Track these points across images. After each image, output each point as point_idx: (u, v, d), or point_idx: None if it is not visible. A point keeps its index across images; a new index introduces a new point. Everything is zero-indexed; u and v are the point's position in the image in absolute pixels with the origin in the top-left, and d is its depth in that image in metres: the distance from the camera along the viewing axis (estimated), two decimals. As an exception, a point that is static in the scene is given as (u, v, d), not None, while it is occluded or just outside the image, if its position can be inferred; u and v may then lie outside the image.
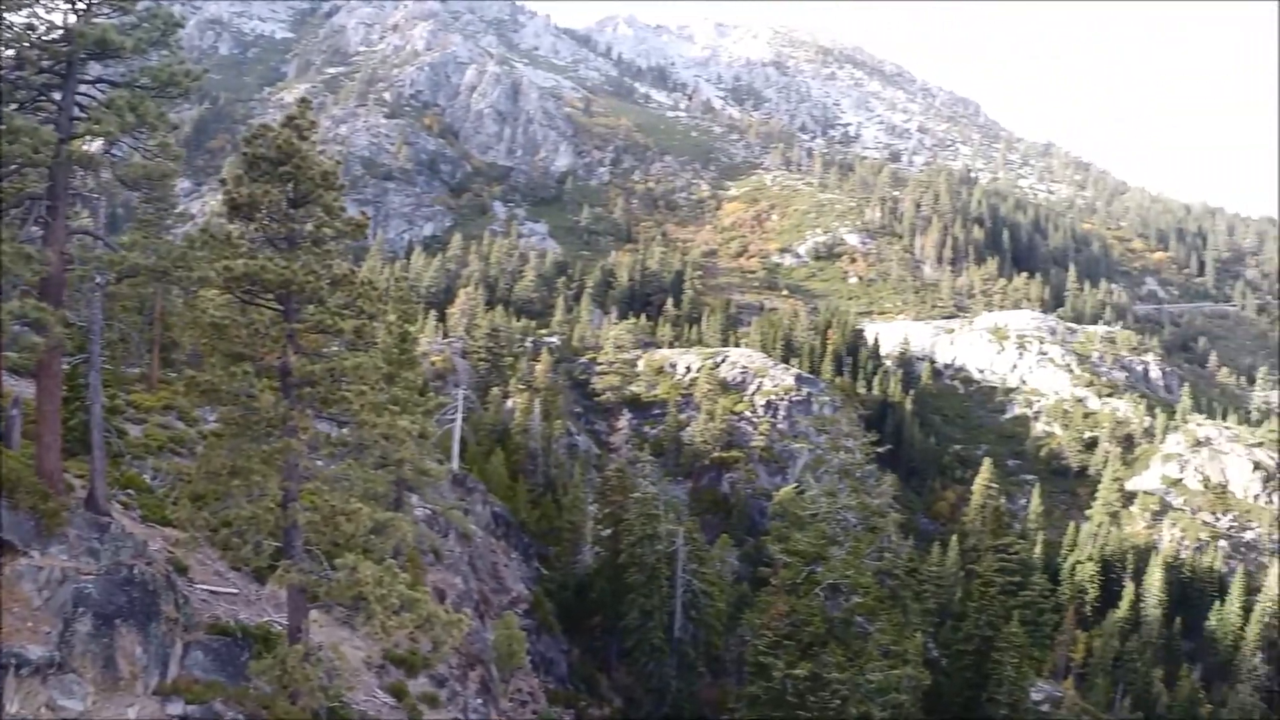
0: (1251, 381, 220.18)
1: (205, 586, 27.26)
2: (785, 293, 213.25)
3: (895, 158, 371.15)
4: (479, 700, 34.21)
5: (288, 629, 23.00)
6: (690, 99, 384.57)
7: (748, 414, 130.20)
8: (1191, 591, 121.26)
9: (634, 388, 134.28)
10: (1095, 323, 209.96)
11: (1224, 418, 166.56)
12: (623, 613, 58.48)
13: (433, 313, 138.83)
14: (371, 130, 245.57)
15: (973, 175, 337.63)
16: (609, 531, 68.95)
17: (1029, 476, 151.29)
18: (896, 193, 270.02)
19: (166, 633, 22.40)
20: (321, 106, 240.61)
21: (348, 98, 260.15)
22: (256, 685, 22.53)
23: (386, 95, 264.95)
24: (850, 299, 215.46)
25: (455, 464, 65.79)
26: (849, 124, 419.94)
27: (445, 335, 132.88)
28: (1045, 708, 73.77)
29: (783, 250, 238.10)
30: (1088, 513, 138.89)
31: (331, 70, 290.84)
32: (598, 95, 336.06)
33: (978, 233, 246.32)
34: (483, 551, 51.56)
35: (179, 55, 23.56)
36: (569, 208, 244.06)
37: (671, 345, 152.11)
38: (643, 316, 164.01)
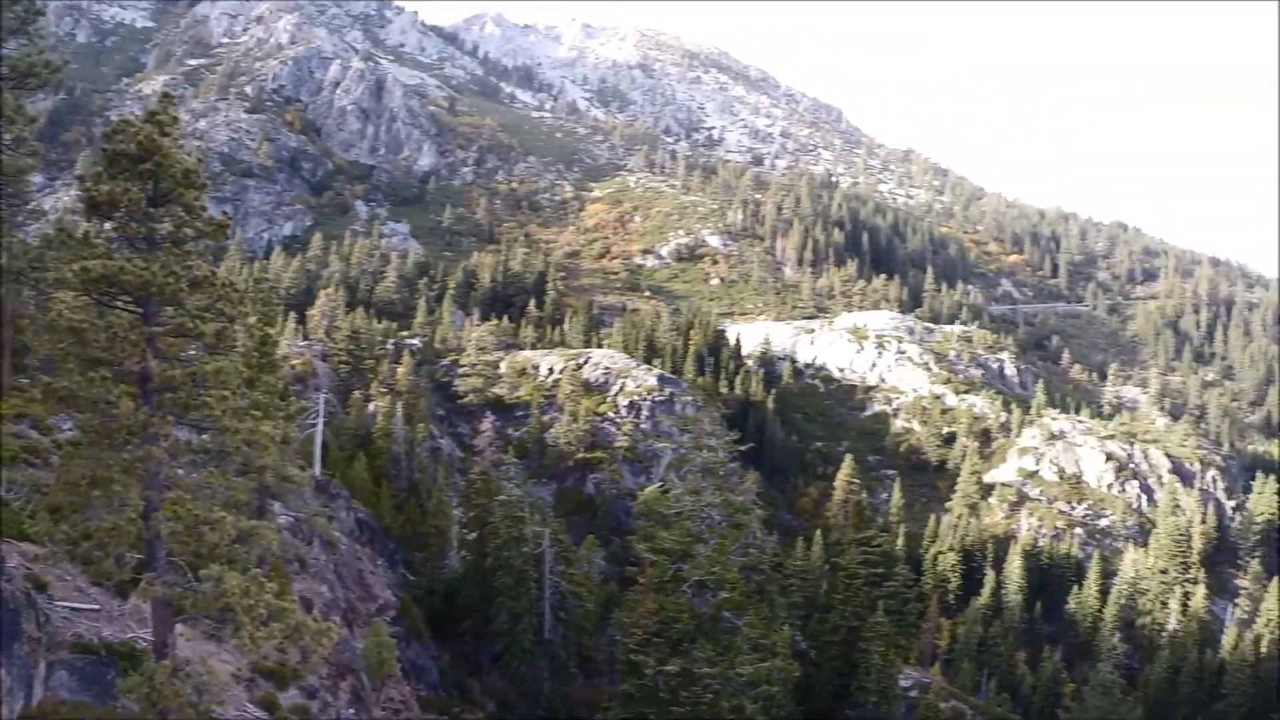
0: (1103, 378, 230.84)
1: (66, 604, 26.12)
2: (647, 294, 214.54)
3: (758, 161, 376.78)
4: (351, 710, 33.55)
5: (153, 645, 22.13)
6: (556, 100, 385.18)
7: (611, 414, 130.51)
8: (1050, 577, 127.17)
9: (497, 389, 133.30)
10: (952, 322, 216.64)
11: (1077, 412, 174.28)
12: (492, 616, 58.10)
13: (292, 314, 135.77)
14: (232, 125, 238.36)
15: (834, 179, 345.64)
16: (475, 535, 68.40)
17: (889, 471, 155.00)
18: (758, 196, 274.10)
19: (29, 654, 21.38)
20: (181, 99, 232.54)
21: (208, 91, 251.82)
22: (124, 704, 21.67)
23: (248, 89, 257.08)
24: (712, 300, 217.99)
25: (317, 469, 64.50)
26: (713, 127, 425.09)
27: (305, 338, 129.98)
28: (914, 693, 75.66)
29: (645, 252, 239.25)
30: (947, 505, 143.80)
31: (193, 62, 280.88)
32: (463, 94, 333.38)
33: (838, 235, 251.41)
34: (348, 559, 50.60)
35: (39, 44, 22.52)
36: (431, 208, 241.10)
37: (534, 346, 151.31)
38: (505, 318, 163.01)
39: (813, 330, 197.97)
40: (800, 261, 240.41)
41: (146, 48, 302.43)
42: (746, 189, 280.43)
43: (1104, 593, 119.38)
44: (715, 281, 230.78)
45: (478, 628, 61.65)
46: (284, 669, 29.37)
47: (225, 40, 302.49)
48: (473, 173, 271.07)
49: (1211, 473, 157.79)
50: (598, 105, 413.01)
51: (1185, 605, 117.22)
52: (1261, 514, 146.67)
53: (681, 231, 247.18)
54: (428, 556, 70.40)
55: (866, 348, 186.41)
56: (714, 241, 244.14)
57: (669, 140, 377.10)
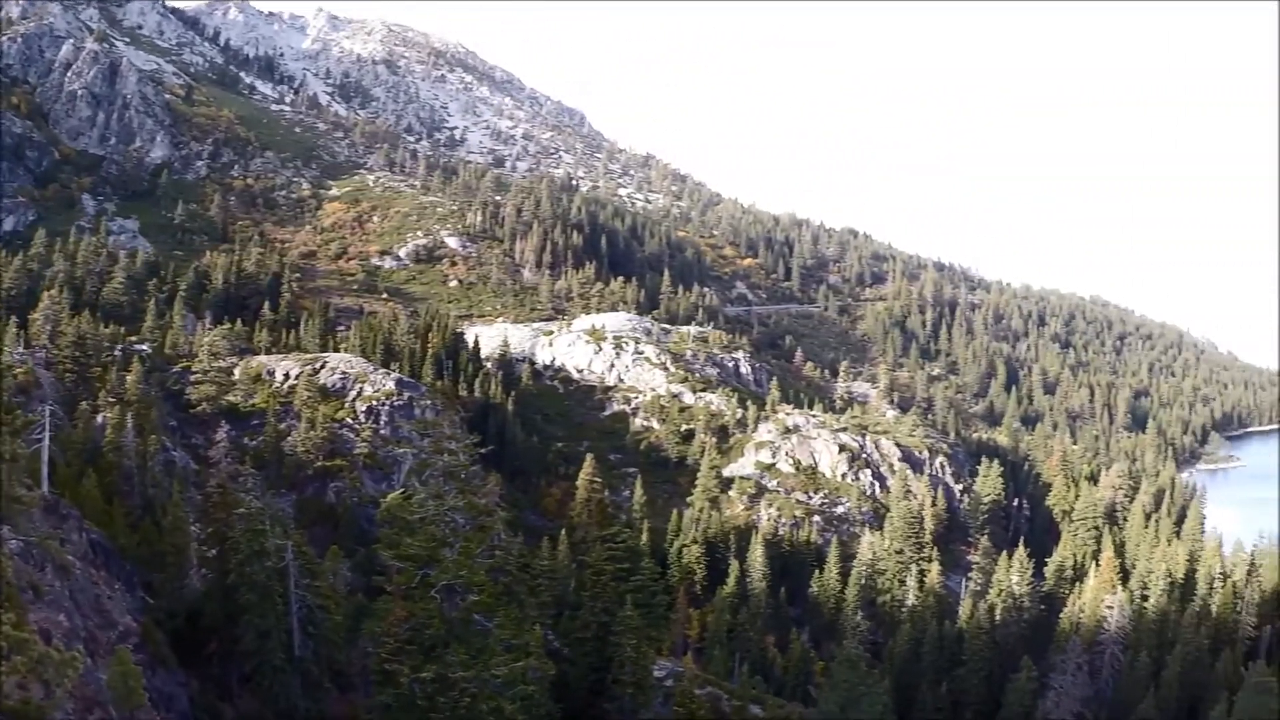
0: (834, 374, 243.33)
1: None
2: (385, 296, 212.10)
3: (499, 163, 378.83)
4: (101, 745, 32.75)
5: (-109, 691, 21.46)
6: (297, 93, 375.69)
7: (350, 421, 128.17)
8: (792, 563, 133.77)
9: (231, 397, 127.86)
10: (688, 323, 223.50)
11: (810, 407, 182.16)
12: (238, 636, 56.71)
13: (13, 319, 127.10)
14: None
15: (574, 183, 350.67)
16: (215, 552, 66.49)
17: (631, 469, 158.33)
18: (499, 198, 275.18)
19: None
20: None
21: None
22: None
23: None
24: (450, 302, 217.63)
25: (45, 488, 61.47)
26: (456, 127, 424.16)
27: (27, 344, 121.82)
28: (669, 683, 77.35)
29: (383, 253, 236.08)
30: (689, 500, 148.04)
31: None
32: (201, 83, 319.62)
33: (577, 238, 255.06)
34: (83, 584, 48.48)
35: None
36: (163, 203, 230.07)
37: (269, 351, 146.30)
38: (239, 321, 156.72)
39: (551, 332, 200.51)
40: (539, 264, 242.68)
41: None
42: (487, 191, 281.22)
43: (844, 575, 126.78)
44: (454, 284, 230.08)
45: (225, 649, 59.97)
46: (29, 706, 28.49)
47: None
48: (207, 167, 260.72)
49: (939, 459, 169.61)
50: (340, 100, 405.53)
51: (922, 582, 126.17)
52: (988, 495, 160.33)
53: (420, 233, 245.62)
54: (167, 577, 67.67)
55: (605, 349, 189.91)
56: (453, 243, 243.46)
57: (411, 139, 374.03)
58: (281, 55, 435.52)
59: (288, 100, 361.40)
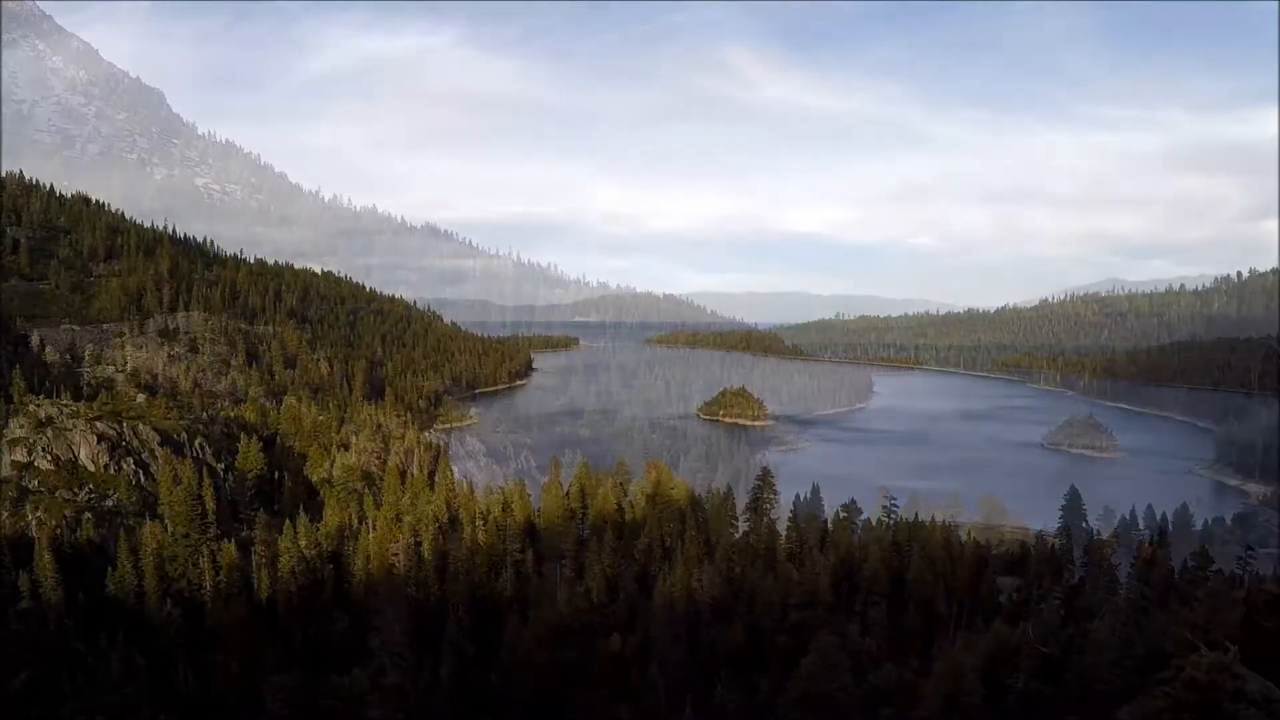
0: (77, 360, 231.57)
1: None
2: None
3: None
4: None
5: None
6: None
7: None
8: (81, 566, 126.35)
9: None
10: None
11: (60, 396, 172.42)
12: None
13: None
14: None
15: None
16: None
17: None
18: None
19: None
20: None
21: None
22: None
23: None
24: None
25: None
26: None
27: None
28: None
29: None
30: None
31: None
32: None
33: None
34: None
35: None
36: None
37: None
38: None
39: None
40: None
41: None
42: None
43: (138, 569, 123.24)
44: None
45: None
46: None
47: None
48: None
49: (199, 440, 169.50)
50: None
51: (215, 561, 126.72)
52: (251, 470, 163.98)
53: None
54: None
55: None
56: None
57: None
58: None
59: None
